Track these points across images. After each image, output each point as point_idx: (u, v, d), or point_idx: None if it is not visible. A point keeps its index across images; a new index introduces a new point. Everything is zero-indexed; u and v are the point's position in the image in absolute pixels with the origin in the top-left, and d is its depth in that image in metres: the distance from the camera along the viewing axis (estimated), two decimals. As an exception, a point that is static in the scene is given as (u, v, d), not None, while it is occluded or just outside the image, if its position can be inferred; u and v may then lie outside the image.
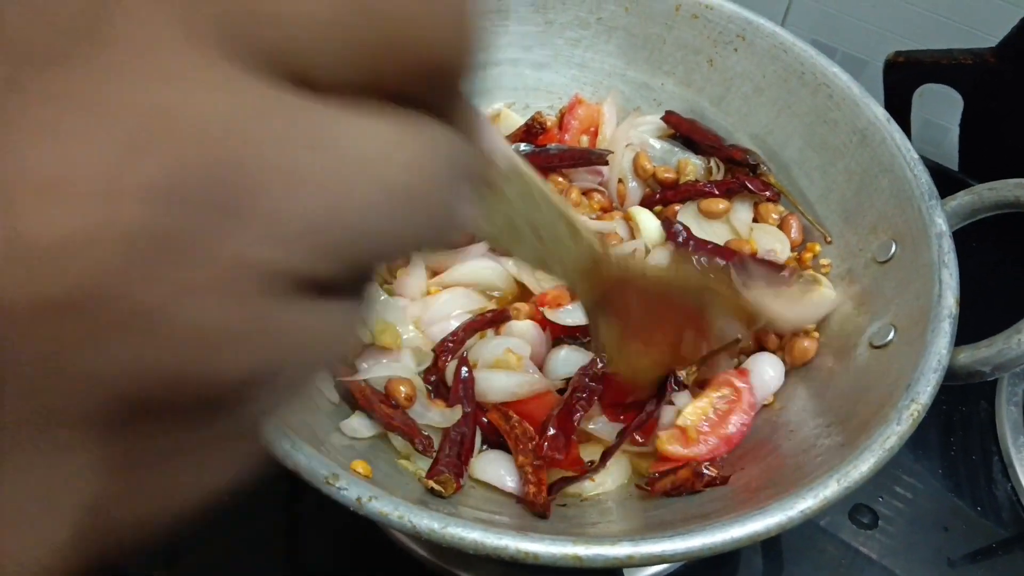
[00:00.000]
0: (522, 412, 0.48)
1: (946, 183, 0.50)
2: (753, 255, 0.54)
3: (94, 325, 0.12)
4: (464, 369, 0.48)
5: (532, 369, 0.49)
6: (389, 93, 0.14)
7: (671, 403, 0.49)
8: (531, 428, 0.47)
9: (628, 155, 0.60)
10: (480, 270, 0.54)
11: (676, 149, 0.62)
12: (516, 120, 0.62)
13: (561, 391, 0.49)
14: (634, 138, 0.61)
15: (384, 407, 0.46)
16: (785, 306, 0.51)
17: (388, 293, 0.53)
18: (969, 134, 0.75)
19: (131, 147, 0.11)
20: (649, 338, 0.42)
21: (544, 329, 0.51)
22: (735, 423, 0.47)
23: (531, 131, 0.60)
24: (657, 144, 0.62)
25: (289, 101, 0.13)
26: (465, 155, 0.16)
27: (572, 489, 0.46)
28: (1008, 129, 0.73)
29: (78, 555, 0.14)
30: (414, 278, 0.53)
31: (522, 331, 0.51)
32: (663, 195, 0.59)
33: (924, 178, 0.48)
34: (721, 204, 0.56)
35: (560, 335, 0.52)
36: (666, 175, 0.59)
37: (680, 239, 0.54)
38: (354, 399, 0.47)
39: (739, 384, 0.49)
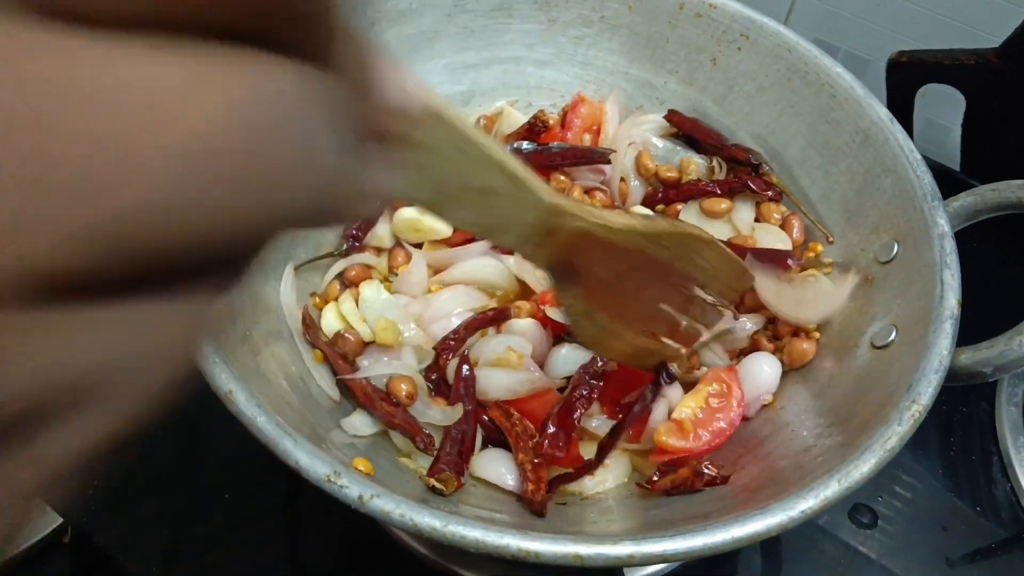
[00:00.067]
0: (523, 410, 0.48)
1: (948, 183, 0.50)
2: (763, 248, 0.54)
3: None
4: (465, 367, 0.48)
5: (533, 367, 0.49)
6: (223, 28, 0.12)
7: (662, 396, 0.49)
8: (531, 426, 0.47)
9: (630, 154, 0.60)
10: (481, 268, 0.54)
11: (678, 148, 0.62)
12: (519, 118, 0.62)
13: (562, 389, 0.49)
14: (636, 137, 0.61)
15: (385, 405, 0.47)
16: (796, 301, 0.50)
17: (389, 291, 0.53)
18: (971, 134, 0.75)
19: None
20: (624, 312, 0.37)
21: (545, 327, 0.51)
22: (727, 418, 0.48)
23: (533, 129, 0.60)
24: (660, 143, 0.62)
25: (42, 40, 0.10)
26: (325, 100, 0.14)
27: (573, 488, 0.46)
28: (1010, 129, 0.73)
29: None
30: (415, 276, 0.53)
31: (523, 329, 0.51)
32: (665, 194, 0.59)
33: (927, 179, 0.48)
34: (723, 204, 0.56)
35: (561, 333, 0.52)
36: (668, 174, 0.59)
37: None
38: (355, 397, 0.47)
39: (728, 379, 0.49)
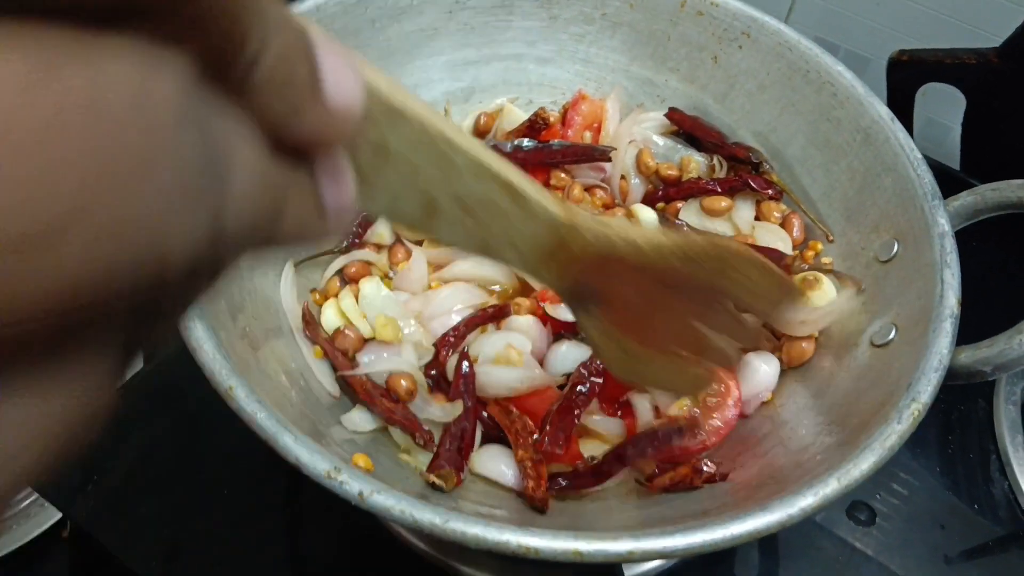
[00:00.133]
0: (523, 407, 0.48)
1: (947, 182, 0.50)
2: (753, 246, 0.54)
3: None
4: (465, 364, 0.49)
5: (533, 364, 0.50)
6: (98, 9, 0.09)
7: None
8: (531, 423, 0.48)
9: (631, 152, 0.60)
10: (481, 265, 0.54)
11: (679, 146, 0.62)
12: (519, 115, 0.62)
13: (562, 386, 0.49)
14: (637, 135, 0.61)
15: (385, 401, 0.47)
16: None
17: (389, 287, 0.53)
18: (971, 133, 0.75)
19: None
20: (652, 333, 0.32)
21: (545, 324, 0.52)
22: (723, 416, 0.48)
23: (534, 127, 0.60)
24: (660, 141, 0.62)
25: None
26: (223, 100, 0.11)
27: (572, 484, 0.47)
28: (1010, 129, 0.73)
29: None
30: (415, 272, 0.53)
31: (523, 326, 0.51)
32: (665, 192, 0.59)
33: (927, 178, 0.48)
34: (723, 202, 0.56)
35: (561, 330, 0.52)
36: (669, 172, 0.59)
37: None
38: (355, 393, 0.47)
39: (726, 377, 0.49)
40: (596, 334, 0.31)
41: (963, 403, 0.64)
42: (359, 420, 0.46)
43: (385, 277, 0.54)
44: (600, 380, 0.48)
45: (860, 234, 0.52)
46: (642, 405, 0.49)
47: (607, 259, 0.27)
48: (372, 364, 0.48)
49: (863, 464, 0.37)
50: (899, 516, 0.58)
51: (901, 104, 0.74)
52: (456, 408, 0.47)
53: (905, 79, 0.73)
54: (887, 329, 0.46)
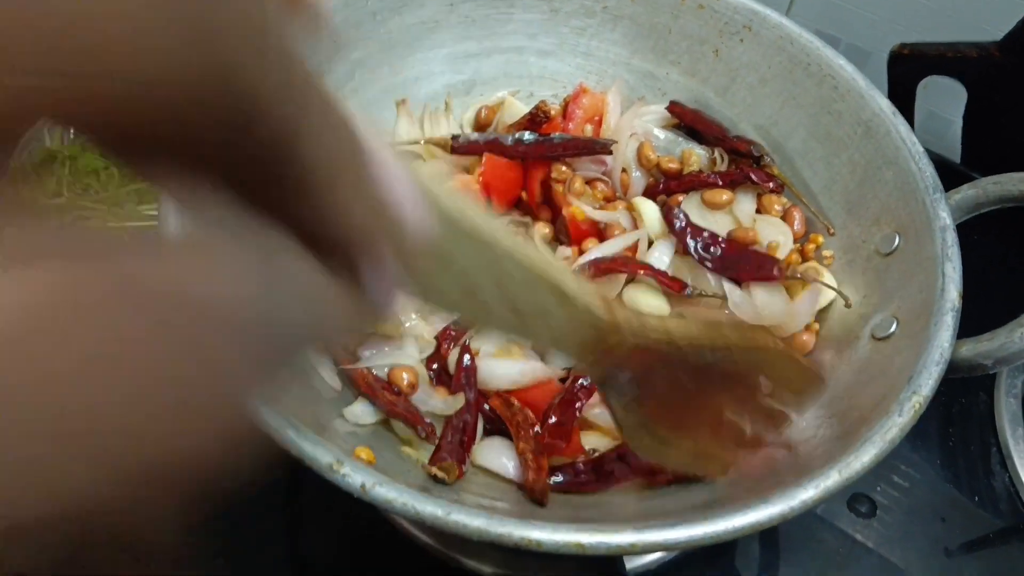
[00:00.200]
0: (524, 400, 0.49)
1: (948, 175, 0.50)
2: (750, 246, 0.54)
3: None
4: (467, 357, 0.49)
5: (533, 357, 0.50)
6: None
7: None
8: (532, 415, 0.48)
9: (632, 145, 0.60)
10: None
11: (680, 139, 0.62)
12: (520, 108, 0.62)
13: (563, 379, 0.49)
14: (638, 128, 0.61)
15: (387, 394, 0.47)
16: (777, 307, 0.50)
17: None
18: (972, 127, 0.75)
19: None
20: (680, 420, 0.32)
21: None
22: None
23: (535, 120, 0.60)
24: (661, 134, 0.62)
25: None
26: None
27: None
28: (1011, 122, 0.73)
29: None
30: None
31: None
32: (666, 185, 0.59)
33: (928, 171, 0.48)
34: (724, 195, 0.56)
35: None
36: (670, 165, 0.59)
37: (679, 226, 0.53)
38: (357, 386, 0.47)
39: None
40: (623, 415, 0.32)
41: (964, 396, 0.64)
42: (361, 413, 0.47)
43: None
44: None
45: (861, 227, 0.52)
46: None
47: (645, 352, 0.28)
48: (373, 357, 0.48)
49: (864, 456, 0.37)
50: (900, 508, 0.58)
51: (902, 97, 0.74)
52: (458, 401, 0.47)
53: (906, 72, 0.73)
54: (888, 322, 0.46)
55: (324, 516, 0.56)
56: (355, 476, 0.35)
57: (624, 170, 0.60)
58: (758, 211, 0.57)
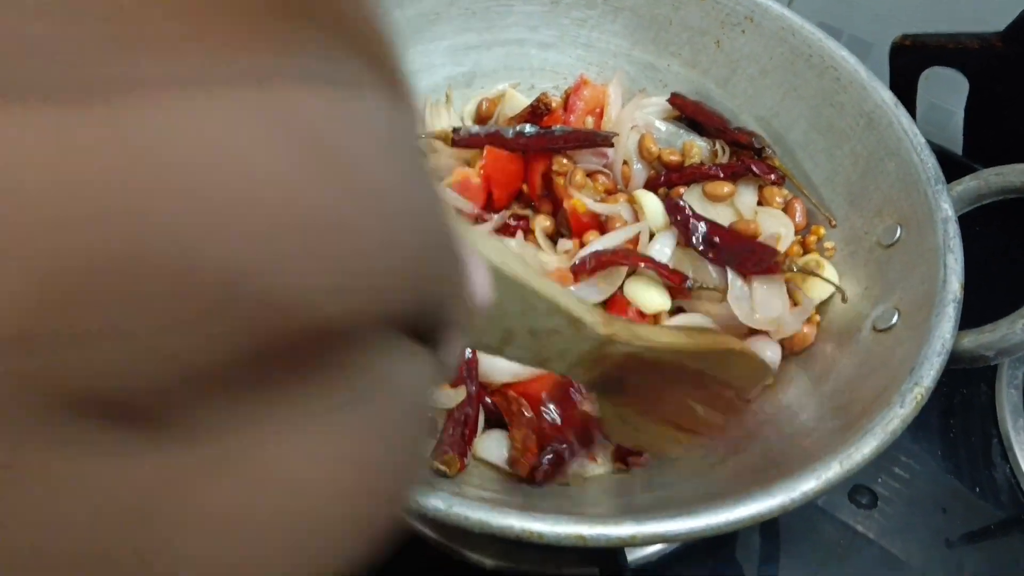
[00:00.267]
0: (523, 392, 0.49)
1: (950, 167, 0.50)
2: (752, 238, 0.54)
3: None
4: (468, 349, 0.49)
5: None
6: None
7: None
8: (529, 406, 0.48)
9: (633, 137, 0.60)
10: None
11: (681, 131, 0.61)
12: (521, 101, 0.62)
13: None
14: (639, 120, 0.61)
15: (389, 387, 0.47)
16: (775, 307, 0.51)
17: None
18: (974, 118, 0.75)
19: None
20: (652, 410, 0.38)
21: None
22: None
23: (536, 112, 0.60)
24: (663, 126, 0.62)
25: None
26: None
27: (575, 469, 0.47)
28: (1013, 114, 0.72)
29: None
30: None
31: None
32: (668, 177, 0.58)
33: (931, 162, 0.48)
34: (726, 187, 0.56)
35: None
36: (671, 157, 0.59)
37: (682, 218, 0.53)
38: (359, 379, 0.48)
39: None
40: (604, 407, 0.37)
41: (965, 387, 0.64)
42: (363, 406, 0.47)
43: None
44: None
45: (863, 219, 0.52)
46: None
47: (631, 358, 0.32)
48: (375, 350, 0.48)
49: (865, 448, 0.37)
50: (901, 500, 0.58)
51: (904, 89, 0.73)
52: (459, 394, 0.47)
53: (908, 64, 0.73)
54: (890, 314, 0.46)
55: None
56: (357, 469, 0.35)
57: (625, 162, 0.60)
58: (759, 203, 0.57)
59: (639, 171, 0.60)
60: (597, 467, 0.48)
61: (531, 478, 0.45)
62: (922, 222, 0.47)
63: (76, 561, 0.08)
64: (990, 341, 0.43)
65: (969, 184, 0.50)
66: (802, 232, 0.56)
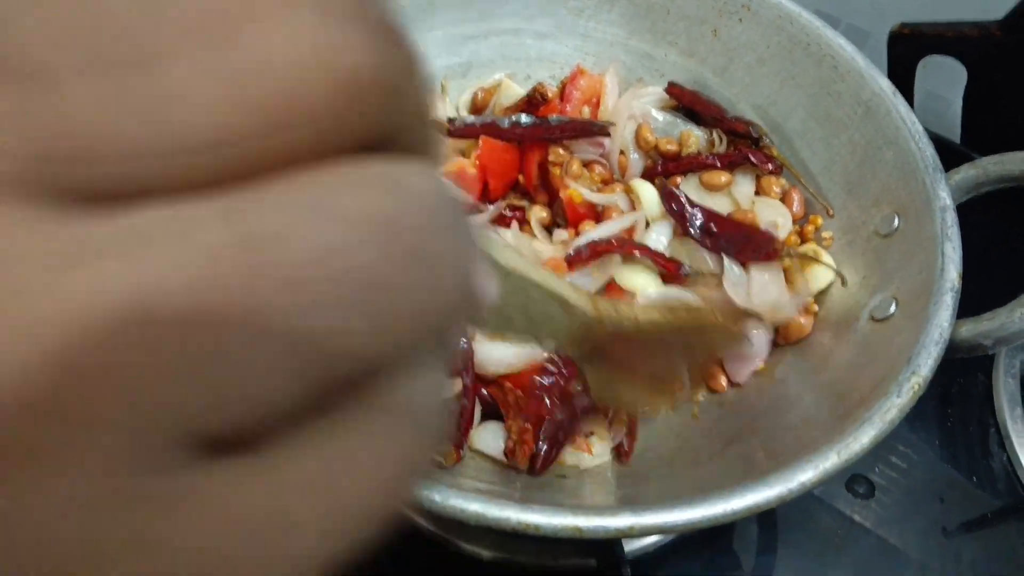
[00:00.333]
0: (518, 383, 0.48)
1: (949, 156, 0.50)
2: (749, 226, 0.54)
3: None
4: (463, 340, 0.48)
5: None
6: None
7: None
8: (524, 396, 0.48)
9: (630, 126, 0.60)
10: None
11: (678, 121, 0.61)
12: (517, 91, 0.61)
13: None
14: (636, 109, 0.61)
15: (385, 379, 0.46)
16: (771, 293, 0.51)
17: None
18: (972, 107, 0.75)
19: None
20: (635, 374, 0.41)
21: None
22: None
23: (532, 102, 0.59)
24: (659, 115, 0.61)
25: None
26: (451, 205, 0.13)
27: (571, 461, 0.47)
28: (1012, 102, 0.72)
29: None
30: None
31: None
32: (665, 167, 0.58)
33: (929, 151, 0.48)
34: (723, 177, 0.56)
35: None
36: (668, 147, 0.59)
37: (678, 208, 0.53)
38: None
39: None
40: (592, 376, 0.40)
41: (963, 377, 0.64)
42: (358, 398, 0.46)
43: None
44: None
45: (861, 208, 0.52)
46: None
47: (616, 333, 0.35)
48: (371, 342, 0.48)
49: (863, 438, 0.37)
50: (898, 489, 0.58)
51: (902, 77, 0.73)
52: (455, 385, 0.47)
53: (906, 52, 0.72)
54: (887, 303, 0.45)
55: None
56: (352, 461, 0.34)
57: (622, 152, 0.60)
58: (757, 193, 0.57)
59: (636, 161, 0.60)
60: (594, 459, 0.47)
61: (531, 467, 0.44)
62: (920, 211, 0.47)
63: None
64: (988, 330, 0.43)
65: (967, 173, 0.49)
66: (800, 221, 0.55)
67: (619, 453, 0.48)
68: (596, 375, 0.40)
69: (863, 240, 0.51)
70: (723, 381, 0.50)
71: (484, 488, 0.43)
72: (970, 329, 0.43)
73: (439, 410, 0.13)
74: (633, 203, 0.56)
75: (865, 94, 0.52)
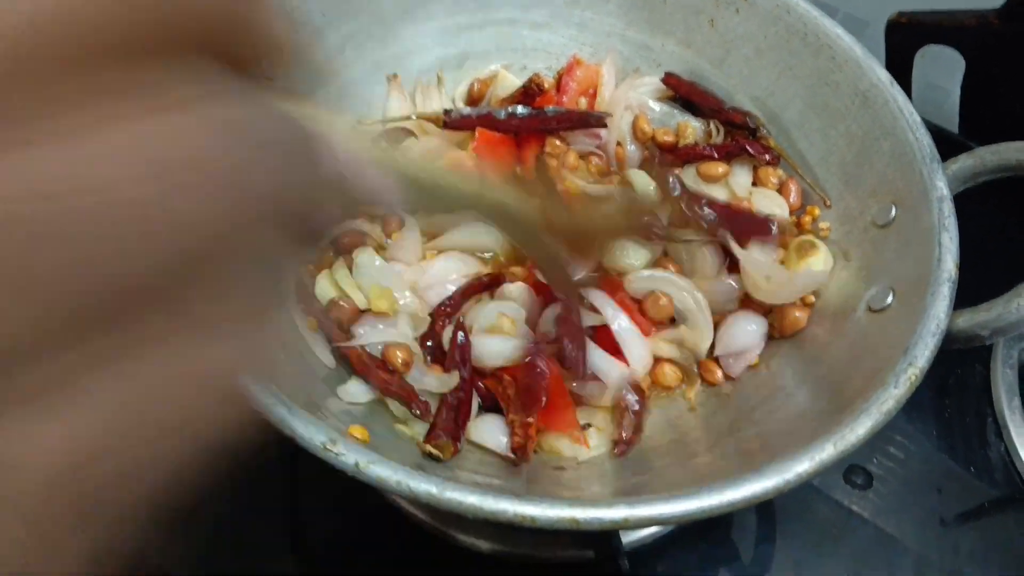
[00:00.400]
0: (515, 375, 0.48)
1: (946, 146, 0.49)
2: (747, 211, 0.54)
3: None
4: (460, 334, 0.48)
5: (526, 334, 0.49)
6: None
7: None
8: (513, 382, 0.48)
9: (627, 118, 0.60)
10: (475, 233, 0.54)
11: (676, 111, 0.61)
12: (513, 82, 0.61)
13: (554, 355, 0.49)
14: (633, 100, 0.61)
15: (381, 373, 0.46)
16: (774, 278, 0.50)
17: (383, 258, 0.53)
18: (971, 96, 0.75)
19: None
20: (576, 249, 0.46)
21: (537, 293, 0.51)
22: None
23: (528, 93, 0.59)
24: (656, 106, 0.61)
25: None
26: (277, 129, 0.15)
27: (568, 453, 0.47)
28: (1009, 92, 0.72)
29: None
30: (410, 243, 0.53)
31: (514, 294, 0.50)
32: (662, 158, 0.58)
33: (926, 141, 0.48)
34: (720, 168, 0.56)
35: (550, 300, 0.51)
36: (665, 138, 0.58)
37: (675, 194, 0.53)
38: (351, 365, 0.47)
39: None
40: (541, 257, 0.45)
41: (960, 367, 0.64)
42: (355, 391, 0.46)
43: (379, 247, 0.54)
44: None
45: (858, 199, 0.52)
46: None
47: (560, 226, 0.39)
48: (367, 336, 0.48)
49: (859, 429, 0.37)
50: (896, 480, 0.59)
51: (900, 67, 0.73)
52: (452, 378, 0.47)
53: (904, 41, 0.72)
54: (884, 294, 0.45)
55: (321, 494, 0.56)
56: (349, 455, 0.34)
57: (619, 144, 0.60)
58: (754, 184, 0.57)
59: (633, 152, 0.60)
60: (591, 451, 0.47)
61: (524, 460, 0.44)
62: (917, 201, 0.46)
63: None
64: (985, 320, 0.43)
65: (964, 162, 0.49)
66: (797, 212, 0.55)
67: (617, 444, 0.47)
68: (544, 257, 0.44)
69: (860, 231, 0.51)
70: (719, 375, 0.50)
71: (482, 481, 0.43)
72: (967, 320, 0.43)
73: (259, 318, 0.15)
74: (630, 194, 0.56)
75: (863, 84, 0.52)
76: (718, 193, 0.56)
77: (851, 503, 0.57)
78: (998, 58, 0.70)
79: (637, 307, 0.51)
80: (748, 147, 0.55)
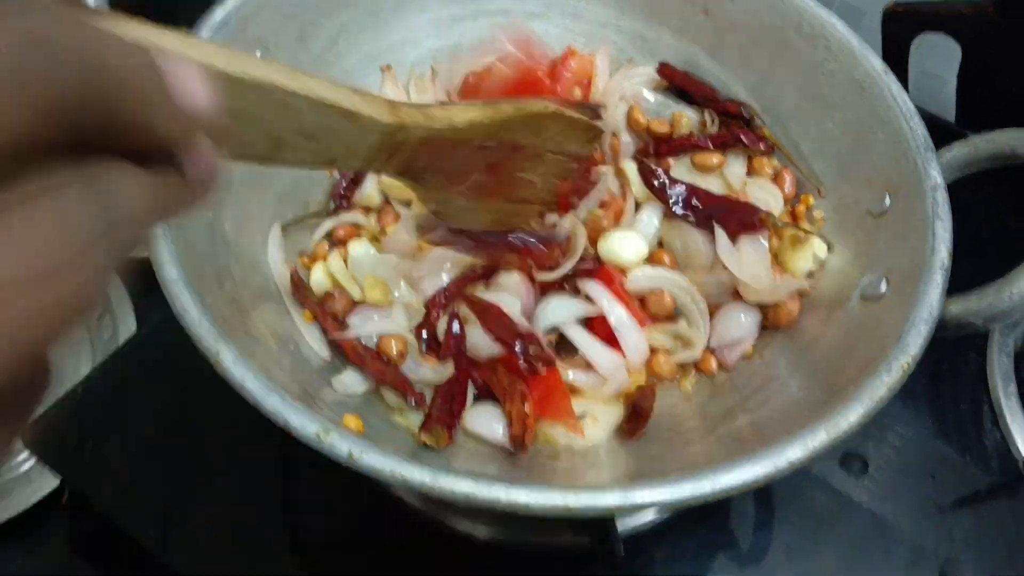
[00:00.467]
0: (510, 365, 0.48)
1: (943, 134, 0.49)
2: (732, 199, 0.54)
3: None
4: (455, 324, 0.48)
5: (521, 323, 0.49)
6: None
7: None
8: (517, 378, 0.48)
9: (621, 108, 0.60)
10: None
11: (670, 101, 0.61)
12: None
13: (552, 344, 0.49)
14: (628, 90, 0.60)
15: (376, 363, 0.47)
16: (759, 269, 0.50)
17: (378, 250, 0.53)
18: (967, 85, 0.75)
19: None
20: (479, 189, 0.38)
21: (532, 283, 0.51)
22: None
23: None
24: (651, 96, 0.61)
25: None
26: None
27: (563, 442, 0.47)
28: (1006, 80, 0.72)
29: None
30: (404, 234, 0.53)
31: (509, 284, 0.50)
32: (656, 148, 0.58)
33: (920, 130, 0.48)
34: (715, 158, 0.56)
35: (547, 290, 0.51)
36: (660, 128, 0.58)
37: (658, 184, 0.53)
38: (346, 355, 0.47)
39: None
40: (426, 195, 0.37)
41: (956, 355, 0.64)
42: (350, 382, 0.47)
43: (374, 239, 0.54)
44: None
45: (852, 188, 0.52)
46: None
47: (432, 141, 0.32)
48: (362, 326, 0.48)
49: (851, 416, 0.37)
50: (892, 466, 0.59)
51: (896, 56, 0.73)
52: (447, 369, 0.47)
53: (900, 30, 0.72)
54: (878, 283, 0.45)
55: (320, 477, 0.56)
56: (342, 445, 0.35)
57: (614, 134, 0.60)
58: (749, 173, 0.57)
59: (627, 142, 0.60)
60: (587, 441, 0.47)
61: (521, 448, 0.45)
62: (911, 190, 0.46)
63: None
64: (978, 308, 0.43)
65: (959, 151, 0.49)
66: (791, 202, 0.55)
67: (624, 431, 0.48)
68: (431, 194, 0.37)
69: (854, 220, 0.51)
70: (713, 364, 0.50)
71: (476, 469, 0.43)
72: (960, 307, 0.43)
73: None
74: (623, 185, 0.56)
75: (858, 74, 0.52)
76: (713, 184, 0.56)
77: (847, 489, 0.58)
78: (994, 46, 0.70)
79: (635, 300, 0.51)
80: (743, 137, 0.56)
